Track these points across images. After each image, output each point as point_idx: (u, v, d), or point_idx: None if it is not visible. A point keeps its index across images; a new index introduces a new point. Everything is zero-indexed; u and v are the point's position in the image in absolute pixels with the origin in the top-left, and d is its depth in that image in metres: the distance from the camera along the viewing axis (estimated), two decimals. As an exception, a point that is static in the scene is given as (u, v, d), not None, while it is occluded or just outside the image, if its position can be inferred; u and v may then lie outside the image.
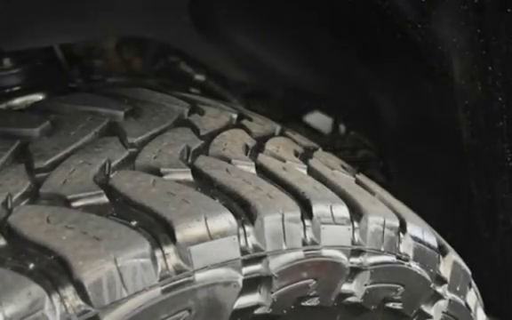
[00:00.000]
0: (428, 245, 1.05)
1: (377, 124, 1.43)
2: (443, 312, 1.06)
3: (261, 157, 0.98)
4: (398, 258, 0.99)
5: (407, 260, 1.00)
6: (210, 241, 0.78)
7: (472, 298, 1.15)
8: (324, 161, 1.09)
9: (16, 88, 1.52)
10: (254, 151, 1.00)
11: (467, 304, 1.12)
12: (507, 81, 1.10)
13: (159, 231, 0.76)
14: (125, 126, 0.93)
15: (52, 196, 0.78)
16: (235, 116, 1.09)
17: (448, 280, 1.07)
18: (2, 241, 0.71)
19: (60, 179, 0.80)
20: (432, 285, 1.04)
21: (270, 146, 1.03)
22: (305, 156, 1.07)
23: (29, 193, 0.78)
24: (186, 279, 0.75)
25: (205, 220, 0.78)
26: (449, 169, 1.29)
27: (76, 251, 0.70)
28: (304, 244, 0.87)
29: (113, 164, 0.85)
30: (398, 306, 1.00)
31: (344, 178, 1.06)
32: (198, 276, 0.76)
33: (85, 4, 1.44)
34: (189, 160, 0.91)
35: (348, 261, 0.91)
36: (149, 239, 0.74)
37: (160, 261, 0.74)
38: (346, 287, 0.92)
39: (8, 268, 0.68)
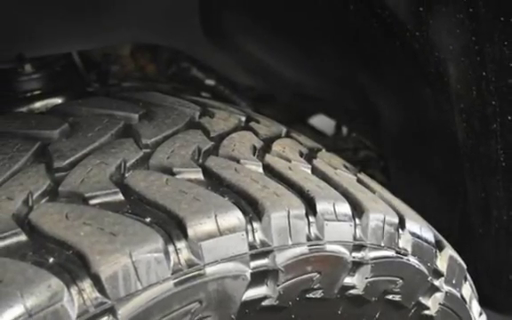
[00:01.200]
0: (426, 241, 1.05)
1: (377, 127, 1.43)
2: (439, 304, 1.06)
3: (268, 157, 0.98)
4: (397, 252, 0.98)
5: (406, 255, 0.99)
6: (219, 237, 0.78)
7: (467, 290, 1.14)
8: (328, 161, 1.09)
9: (37, 92, 1.53)
10: (261, 152, 0.99)
11: (462, 296, 1.12)
12: (500, 86, 1.09)
13: (172, 227, 0.76)
14: (140, 128, 0.93)
15: (71, 194, 0.78)
16: (243, 118, 1.09)
17: (444, 273, 1.07)
18: (23, 236, 0.71)
19: (78, 178, 0.80)
20: (429, 278, 1.03)
21: (277, 147, 1.03)
22: (309, 157, 1.07)
23: (49, 191, 0.78)
24: (197, 273, 0.75)
25: (215, 216, 0.78)
26: (445, 169, 1.29)
27: (94, 246, 0.70)
28: (308, 239, 0.86)
29: (128, 164, 0.84)
30: (397, 298, 0.99)
31: (346, 177, 1.06)
32: (209, 270, 0.76)
33: (102, 13, 1.44)
34: (200, 160, 0.90)
35: (350, 256, 0.91)
36: (163, 235, 0.74)
37: (173, 256, 0.74)
38: (348, 280, 0.92)
39: (29, 262, 0.68)
